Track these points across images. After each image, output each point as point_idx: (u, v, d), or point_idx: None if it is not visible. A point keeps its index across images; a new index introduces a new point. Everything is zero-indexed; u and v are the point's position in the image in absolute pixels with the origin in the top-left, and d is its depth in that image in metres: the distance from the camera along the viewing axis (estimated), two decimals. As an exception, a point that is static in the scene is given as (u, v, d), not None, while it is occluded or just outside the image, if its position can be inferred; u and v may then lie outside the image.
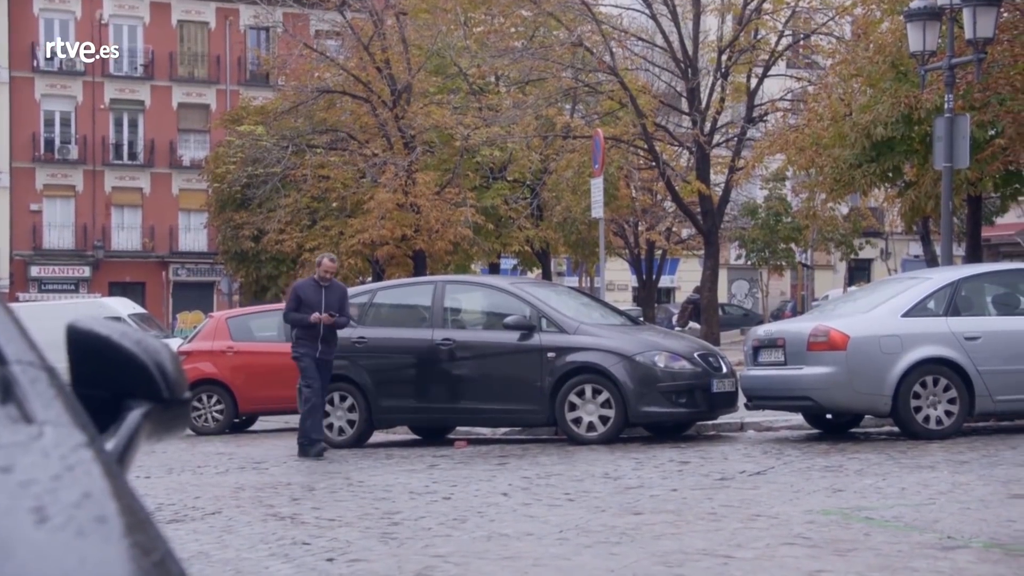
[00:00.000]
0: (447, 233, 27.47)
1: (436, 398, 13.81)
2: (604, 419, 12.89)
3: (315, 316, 12.86)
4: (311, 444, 13.00)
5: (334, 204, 30.65)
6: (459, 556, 7.02)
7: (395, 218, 27.41)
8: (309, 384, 12.99)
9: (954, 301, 12.67)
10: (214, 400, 17.85)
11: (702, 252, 33.04)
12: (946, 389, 12.13)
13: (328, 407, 14.12)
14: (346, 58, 30.64)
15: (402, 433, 15.32)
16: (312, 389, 12.98)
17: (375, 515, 8.74)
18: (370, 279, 30.68)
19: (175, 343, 20.85)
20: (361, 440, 14.18)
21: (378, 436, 14.96)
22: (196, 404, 17.70)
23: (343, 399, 14.07)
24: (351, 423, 14.09)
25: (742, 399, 13.49)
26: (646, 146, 29.31)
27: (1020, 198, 23.98)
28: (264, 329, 18.97)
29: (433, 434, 14.88)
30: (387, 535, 7.84)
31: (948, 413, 12.12)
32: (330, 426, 14.07)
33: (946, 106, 17.28)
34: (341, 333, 13.55)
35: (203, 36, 54.99)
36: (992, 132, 20.09)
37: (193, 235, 53.68)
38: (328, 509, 9.15)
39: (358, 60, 29.44)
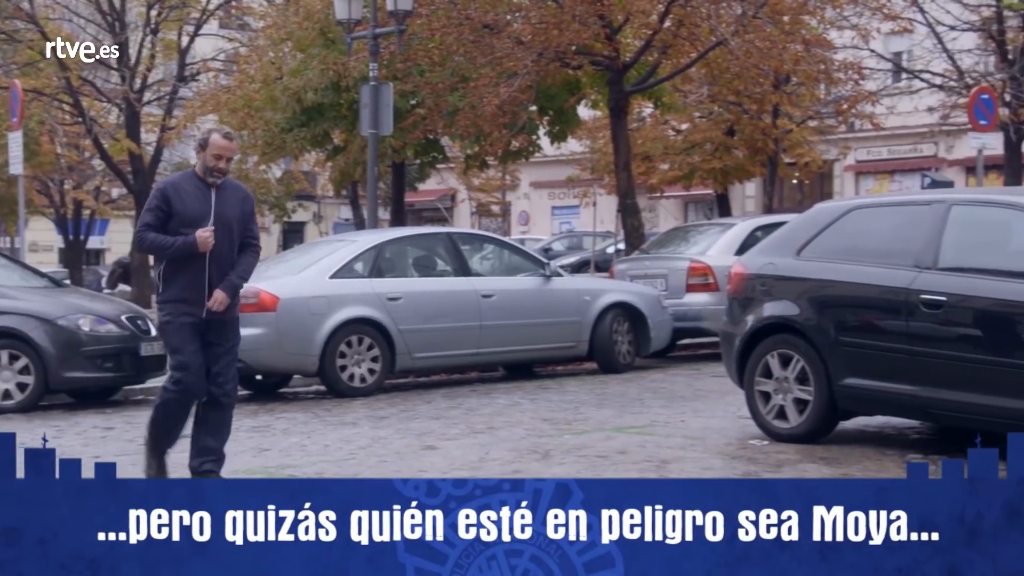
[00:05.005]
0: None
1: None
2: (22, 386, 12.26)
3: (203, 233, 7.20)
4: (156, 452, 7.69)
5: None
6: None
7: None
8: (179, 365, 7.36)
9: (378, 263, 13.24)
10: None
11: (133, 212, 32.12)
12: (370, 348, 12.67)
13: None
14: None
15: None
16: (184, 373, 7.34)
17: None
18: None
19: None
20: None
21: None
22: None
23: None
24: None
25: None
26: (71, 100, 28.00)
27: (439, 166, 25.44)
28: None
29: None
30: None
31: (371, 371, 12.66)
32: None
33: (371, 75, 17.95)
34: None
35: None
36: (413, 102, 21.16)
37: None
38: None
39: None
